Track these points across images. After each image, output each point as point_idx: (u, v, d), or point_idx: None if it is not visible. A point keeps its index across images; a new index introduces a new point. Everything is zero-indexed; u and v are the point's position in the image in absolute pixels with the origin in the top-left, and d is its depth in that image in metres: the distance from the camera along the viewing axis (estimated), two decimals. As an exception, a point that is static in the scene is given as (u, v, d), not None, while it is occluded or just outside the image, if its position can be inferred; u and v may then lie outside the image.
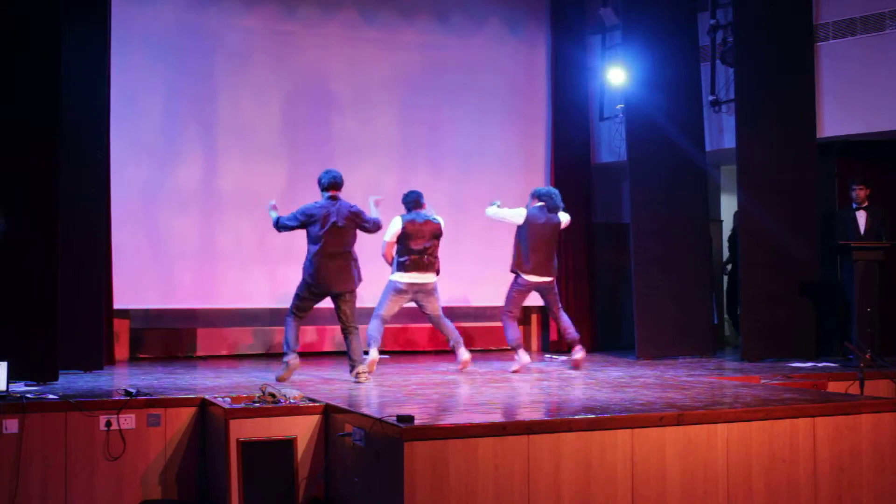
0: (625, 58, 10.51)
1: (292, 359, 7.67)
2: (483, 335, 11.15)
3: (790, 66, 9.94)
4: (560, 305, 9.11)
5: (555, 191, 9.06)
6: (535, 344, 11.59)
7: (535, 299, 11.21)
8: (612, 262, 11.85)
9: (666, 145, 10.13)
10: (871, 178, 9.66)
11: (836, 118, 9.98)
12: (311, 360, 9.66)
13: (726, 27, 10.55)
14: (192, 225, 9.96)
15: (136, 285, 9.65)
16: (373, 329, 8.39)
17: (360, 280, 7.82)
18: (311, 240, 7.64)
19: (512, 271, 8.84)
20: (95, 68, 8.78)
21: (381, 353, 9.65)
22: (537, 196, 8.95)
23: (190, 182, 9.96)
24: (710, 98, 10.71)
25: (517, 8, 11.43)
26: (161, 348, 10.02)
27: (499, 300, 10.12)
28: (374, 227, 7.89)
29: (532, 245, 8.71)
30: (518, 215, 8.79)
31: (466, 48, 11.12)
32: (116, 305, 9.49)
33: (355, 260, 7.78)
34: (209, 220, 10.01)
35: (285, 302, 8.89)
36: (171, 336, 10.10)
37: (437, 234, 8.46)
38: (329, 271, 7.62)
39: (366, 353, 8.20)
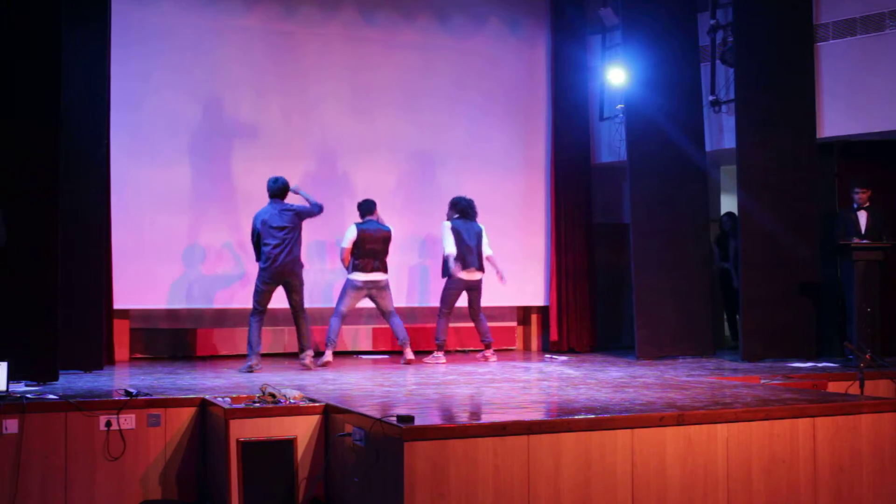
0: (625, 58, 10.50)
1: (255, 363, 8.67)
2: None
3: (790, 66, 9.94)
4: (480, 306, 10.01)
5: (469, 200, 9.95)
6: (535, 344, 11.59)
7: (534, 299, 11.33)
8: (612, 262, 11.85)
9: (666, 145, 10.12)
10: (871, 179, 9.65)
11: (836, 118, 9.98)
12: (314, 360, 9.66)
13: (726, 27, 10.55)
14: (192, 225, 9.95)
15: (136, 285, 9.64)
16: (332, 331, 9.31)
17: (302, 266, 9.01)
18: (264, 240, 8.82)
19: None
20: (95, 69, 8.78)
21: (380, 353, 9.69)
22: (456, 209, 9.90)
23: (190, 182, 9.96)
24: (710, 98, 10.71)
25: (517, 8, 11.43)
26: (161, 348, 10.02)
27: (495, 301, 10.16)
28: (318, 209, 9.04)
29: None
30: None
31: (466, 48, 11.11)
32: (116, 305, 9.49)
33: (299, 249, 8.94)
34: (209, 221, 10.01)
35: (285, 302, 8.98)
36: (171, 336, 10.10)
37: (387, 240, 9.43)
38: (279, 263, 8.76)
39: (321, 352, 9.32)
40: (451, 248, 9.61)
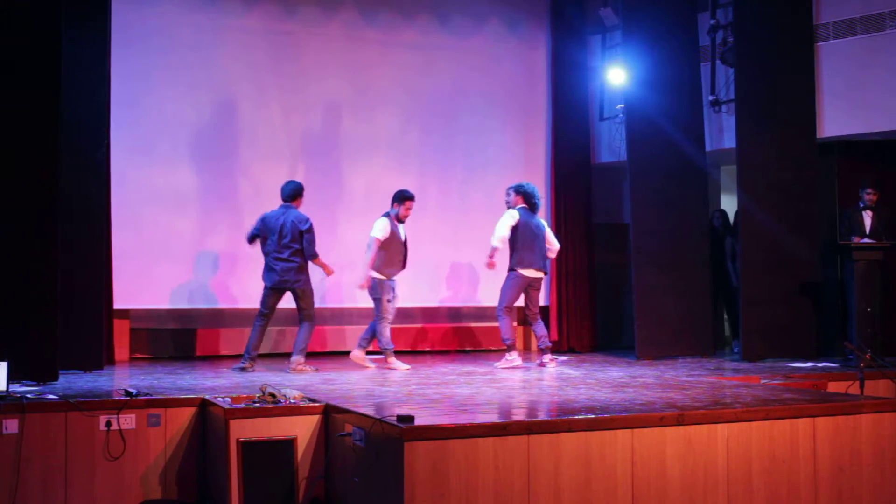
0: (625, 58, 10.51)
1: (248, 365, 8.62)
2: (485, 335, 11.15)
3: (790, 66, 9.94)
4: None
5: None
6: (535, 344, 11.55)
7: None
8: (612, 262, 11.86)
9: (666, 145, 10.13)
10: (872, 178, 9.66)
11: (836, 118, 9.98)
12: (312, 360, 9.66)
13: (726, 27, 10.56)
14: (193, 224, 9.96)
15: (136, 285, 9.65)
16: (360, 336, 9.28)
17: (306, 278, 8.74)
18: (267, 243, 8.71)
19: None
20: (95, 69, 8.77)
21: (380, 353, 9.65)
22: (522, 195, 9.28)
23: (190, 182, 9.96)
24: (710, 98, 10.72)
25: (517, 8, 11.44)
26: (161, 348, 10.02)
27: (496, 300, 10.13)
28: (309, 255, 8.69)
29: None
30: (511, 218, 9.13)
31: (466, 48, 11.12)
32: (116, 305, 9.50)
33: (304, 258, 8.69)
34: (209, 221, 10.01)
35: (284, 302, 8.98)
36: (171, 336, 10.10)
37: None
38: (278, 270, 8.64)
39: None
40: (496, 242, 9.01)
